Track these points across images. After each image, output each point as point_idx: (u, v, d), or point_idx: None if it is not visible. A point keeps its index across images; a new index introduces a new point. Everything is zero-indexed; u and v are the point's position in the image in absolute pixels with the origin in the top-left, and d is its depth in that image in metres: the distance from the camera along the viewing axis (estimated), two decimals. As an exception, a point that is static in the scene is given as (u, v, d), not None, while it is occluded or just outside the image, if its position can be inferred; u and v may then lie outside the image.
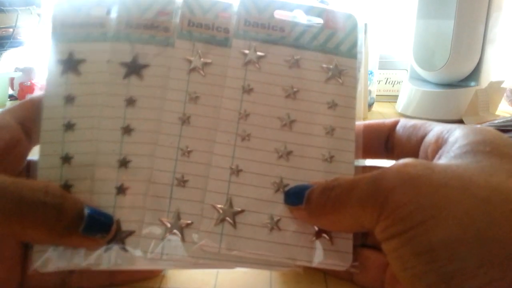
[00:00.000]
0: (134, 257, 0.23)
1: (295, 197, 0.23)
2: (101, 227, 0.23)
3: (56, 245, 0.23)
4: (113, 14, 0.27)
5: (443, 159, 0.20)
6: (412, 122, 0.26)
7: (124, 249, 0.23)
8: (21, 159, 0.25)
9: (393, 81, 0.89)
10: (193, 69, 0.26)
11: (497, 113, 0.75)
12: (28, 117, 0.25)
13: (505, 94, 0.78)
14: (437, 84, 0.76)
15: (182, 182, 0.25)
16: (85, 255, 0.23)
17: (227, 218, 0.24)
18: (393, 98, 0.85)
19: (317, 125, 0.26)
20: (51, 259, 0.23)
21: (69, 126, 0.25)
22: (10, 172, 0.23)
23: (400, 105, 0.78)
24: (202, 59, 0.26)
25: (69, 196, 0.22)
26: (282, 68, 0.26)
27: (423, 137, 0.24)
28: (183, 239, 0.24)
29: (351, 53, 0.27)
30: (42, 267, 0.23)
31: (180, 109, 0.26)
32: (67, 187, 0.24)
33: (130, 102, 0.26)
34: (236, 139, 0.25)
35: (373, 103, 0.78)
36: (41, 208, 0.20)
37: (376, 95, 0.81)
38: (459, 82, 0.75)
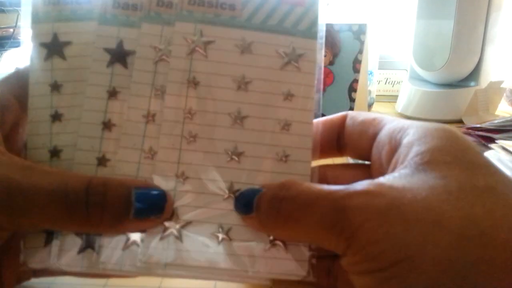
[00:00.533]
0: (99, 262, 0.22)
1: (244, 204, 0.22)
2: (153, 208, 0.21)
3: (109, 234, 0.22)
4: None
5: (403, 171, 0.19)
6: (361, 117, 0.25)
7: (97, 252, 0.22)
8: (22, 137, 0.24)
9: (393, 81, 0.89)
10: (160, 60, 0.23)
11: (496, 113, 0.75)
12: (25, 93, 0.24)
13: (504, 94, 0.78)
14: (437, 84, 0.76)
15: None
16: (59, 256, 0.22)
17: (173, 231, 0.22)
18: (393, 98, 0.85)
19: (271, 120, 0.23)
20: (42, 257, 0.22)
21: (56, 117, 0.23)
22: (15, 152, 0.23)
23: (400, 105, 0.78)
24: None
25: (113, 185, 0.21)
26: (232, 55, 0.23)
27: (374, 135, 0.23)
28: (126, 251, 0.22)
29: (311, 32, 0.24)
30: (32, 263, 0.22)
31: (145, 106, 0.23)
32: None
33: (113, 94, 0.23)
34: (181, 142, 0.23)
35: (373, 103, 0.78)
36: (84, 209, 0.20)
37: (376, 95, 0.81)
38: (459, 82, 0.75)
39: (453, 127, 0.21)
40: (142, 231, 0.22)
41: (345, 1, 0.86)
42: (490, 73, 0.73)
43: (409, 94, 0.77)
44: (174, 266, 0.22)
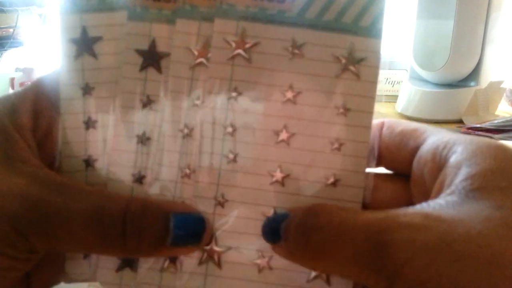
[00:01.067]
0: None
1: (272, 232, 0.20)
2: (191, 236, 0.20)
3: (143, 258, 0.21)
4: None
5: (450, 198, 0.17)
6: (400, 127, 0.22)
7: (135, 271, 0.21)
8: (57, 144, 0.23)
9: (393, 81, 0.89)
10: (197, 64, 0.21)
11: (497, 113, 0.75)
12: (59, 96, 0.22)
13: (504, 94, 0.79)
14: (437, 84, 0.76)
15: None
16: (97, 271, 0.21)
17: (212, 257, 0.21)
18: (393, 98, 0.85)
19: (322, 138, 0.20)
20: (82, 269, 0.21)
21: (90, 123, 0.21)
22: (49, 160, 0.22)
23: (400, 105, 0.78)
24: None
25: (151, 211, 0.20)
26: (280, 60, 0.20)
27: (415, 148, 0.21)
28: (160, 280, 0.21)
29: (375, 29, 0.19)
30: (73, 276, 0.21)
31: (182, 119, 0.21)
32: None
33: (147, 103, 0.21)
34: (221, 162, 0.21)
35: (373, 103, 0.78)
36: (120, 237, 0.19)
37: (376, 95, 0.81)
38: (459, 82, 0.75)
39: (506, 144, 0.19)
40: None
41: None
42: (490, 73, 0.74)
43: (409, 94, 0.77)
44: None
